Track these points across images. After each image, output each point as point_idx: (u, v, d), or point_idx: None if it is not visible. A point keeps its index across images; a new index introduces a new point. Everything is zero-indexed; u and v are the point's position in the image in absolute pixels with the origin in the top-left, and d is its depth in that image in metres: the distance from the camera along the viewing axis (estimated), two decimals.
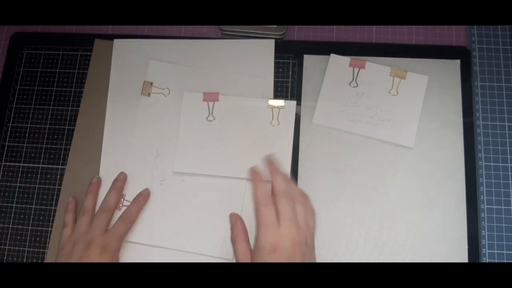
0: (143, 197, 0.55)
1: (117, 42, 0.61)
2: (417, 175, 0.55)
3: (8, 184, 0.58)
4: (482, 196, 0.55)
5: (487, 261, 0.53)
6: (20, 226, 0.56)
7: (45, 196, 0.57)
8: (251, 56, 0.60)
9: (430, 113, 0.57)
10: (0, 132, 0.59)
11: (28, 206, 0.57)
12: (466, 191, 0.55)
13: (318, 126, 0.57)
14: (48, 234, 0.56)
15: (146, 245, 0.54)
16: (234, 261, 0.50)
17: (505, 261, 0.53)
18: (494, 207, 0.54)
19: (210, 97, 0.58)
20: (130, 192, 0.55)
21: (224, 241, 0.53)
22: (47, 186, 0.57)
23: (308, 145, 0.57)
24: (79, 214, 0.53)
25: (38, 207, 0.57)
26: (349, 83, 0.58)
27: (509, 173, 0.56)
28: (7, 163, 0.59)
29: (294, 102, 0.57)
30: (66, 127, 0.59)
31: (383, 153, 0.56)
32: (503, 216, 0.54)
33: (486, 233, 0.54)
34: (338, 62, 0.59)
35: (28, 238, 0.56)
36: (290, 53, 0.60)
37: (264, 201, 0.46)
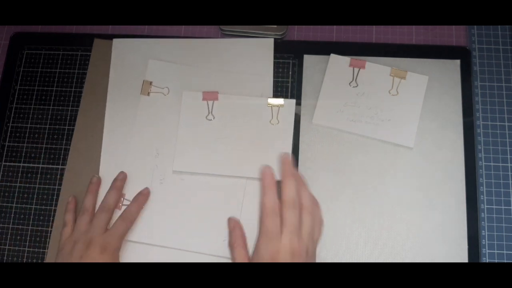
0: (143, 196, 0.55)
1: (116, 42, 0.61)
2: (417, 175, 0.55)
3: (8, 184, 0.58)
4: (482, 196, 0.55)
5: (487, 261, 0.53)
6: (20, 226, 0.56)
7: (45, 196, 0.57)
8: (250, 55, 0.60)
9: (430, 113, 0.57)
10: (0, 132, 0.59)
11: (28, 206, 0.57)
12: (466, 191, 0.55)
13: (318, 126, 0.57)
14: (48, 234, 0.56)
15: (146, 244, 0.54)
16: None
17: (505, 261, 0.53)
18: (494, 207, 0.54)
19: (210, 96, 0.58)
20: (130, 191, 0.55)
21: (224, 240, 0.53)
22: (47, 186, 0.57)
23: (308, 145, 0.57)
24: (79, 214, 0.53)
25: (38, 207, 0.57)
26: (349, 83, 0.58)
27: (509, 173, 0.55)
28: (7, 163, 0.59)
29: (293, 101, 0.57)
30: (66, 127, 0.59)
31: (383, 153, 0.56)
32: (503, 216, 0.54)
33: (486, 233, 0.54)
34: (338, 62, 0.59)
35: (28, 238, 0.56)
36: (290, 53, 0.60)
37: (270, 211, 0.46)
